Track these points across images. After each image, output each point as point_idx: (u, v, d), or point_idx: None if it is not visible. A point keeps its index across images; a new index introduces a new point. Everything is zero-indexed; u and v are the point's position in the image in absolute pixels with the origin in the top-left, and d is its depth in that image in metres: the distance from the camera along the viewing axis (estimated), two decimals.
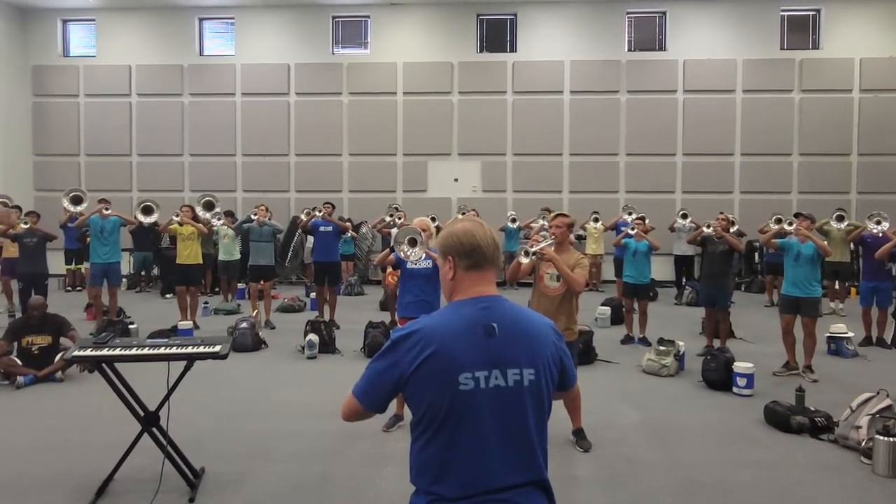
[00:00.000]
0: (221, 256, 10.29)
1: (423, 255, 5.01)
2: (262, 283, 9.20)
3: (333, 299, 9.20)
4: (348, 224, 10.99)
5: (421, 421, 1.68)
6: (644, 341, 8.04)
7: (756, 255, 13.37)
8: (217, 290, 11.73)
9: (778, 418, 5.06)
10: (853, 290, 10.94)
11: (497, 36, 14.68)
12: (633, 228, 8.33)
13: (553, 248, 4.66)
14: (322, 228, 9.07)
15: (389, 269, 8.71)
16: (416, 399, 1.68)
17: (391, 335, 1.73)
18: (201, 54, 14.92)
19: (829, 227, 9.27)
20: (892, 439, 4.18)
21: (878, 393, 4.79)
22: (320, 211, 9.17)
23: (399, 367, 1.65)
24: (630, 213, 10.81)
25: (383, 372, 1.69)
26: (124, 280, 11.48)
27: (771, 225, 9.37)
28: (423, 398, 1.65)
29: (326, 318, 8.83)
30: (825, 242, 6.91)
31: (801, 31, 14.20)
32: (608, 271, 12.06)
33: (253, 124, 14.58)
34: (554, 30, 14.25)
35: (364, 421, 1.84)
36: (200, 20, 14.91)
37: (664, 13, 14.28)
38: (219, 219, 9.65)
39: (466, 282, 1.74)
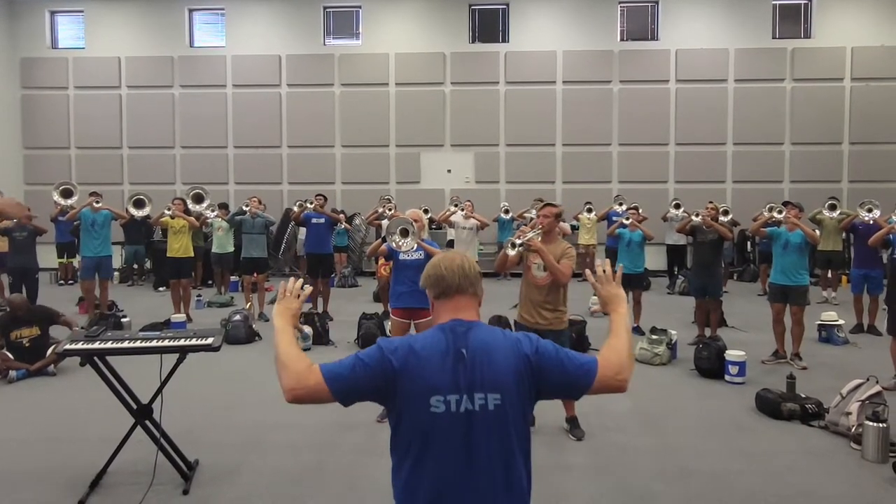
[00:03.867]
0: (215, 249, 10.24)
1: (415, 246, 5.00)
2: (255, 275, 9.19)
3: (327, 291, 9.20)
4: (341, 216, 10.96)
5: (397, 443, 1.73)
6: (638, 330, 8.06)
7: (748, 243, 13.43)
8: (210, 282, 11.68)
9: (769, 405, 5.11)
10: (844, 278, 11.00)
11: (489, 26, 14.62)
12: (627, 219, 8.35)
13: (540, 239, 4.66)
14: (314, 220, 9.06)
15: (382, 260, 8.71)
16: (392, 418, 1.74)
17: (378, 342, 1.76)
18: (191, 46, 14.80)
19: (821, 217, 9.30)
20: (881, 425, 4.23)
21: (867, 379, 4.84)
22: (311, 203, 9.15)
23: (383, 367, 1.68)
24: (621, 204, 10.83)
25: (367, 365, 1.70)
26: (116, 273, 11.43)
27: (765, 213, 9.39)
28: (397, 418, 1.71)
29: (320, 309, 8.84)
30: (816, 232, 6.94)
31: (792, 21, 14.21)
32: None
33: (244, 116, 14.51)
34: (546, 20, 14.21)
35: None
36: (190, 11, 14.78)
37: (656, 2, 14.24)
38: (213, 210, 9.61)
39: (440, 309, 1.83)
